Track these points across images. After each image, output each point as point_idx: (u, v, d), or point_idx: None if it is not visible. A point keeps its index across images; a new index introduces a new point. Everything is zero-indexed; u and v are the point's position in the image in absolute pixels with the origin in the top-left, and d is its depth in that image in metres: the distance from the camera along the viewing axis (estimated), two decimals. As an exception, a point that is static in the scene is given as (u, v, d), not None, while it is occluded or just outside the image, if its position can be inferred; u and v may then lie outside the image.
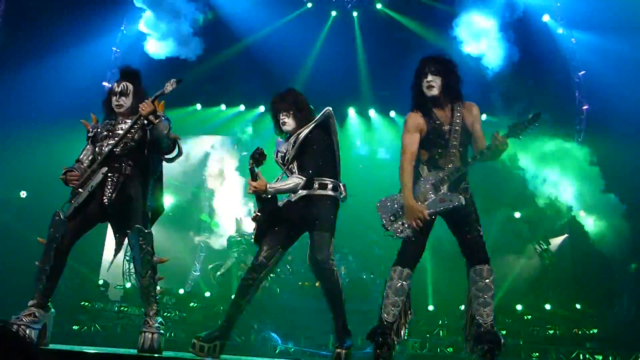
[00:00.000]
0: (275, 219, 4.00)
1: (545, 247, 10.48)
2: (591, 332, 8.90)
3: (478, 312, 3.62)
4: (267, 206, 3.99)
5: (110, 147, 3.95)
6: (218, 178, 11.89)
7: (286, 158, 3.99)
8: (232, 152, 12.11)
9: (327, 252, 3.87)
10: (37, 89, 9.03)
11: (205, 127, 11.96)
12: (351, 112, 12.11)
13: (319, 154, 3.98)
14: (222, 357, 3.94)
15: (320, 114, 4.05)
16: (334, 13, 11.51)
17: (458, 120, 3.77)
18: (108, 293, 9.42)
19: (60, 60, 9.30)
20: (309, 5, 11.44)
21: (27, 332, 3.64)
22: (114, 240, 4.13)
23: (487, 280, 3.62)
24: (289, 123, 4.06)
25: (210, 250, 11.40)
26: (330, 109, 4.08)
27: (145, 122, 3.95)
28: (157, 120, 3.92)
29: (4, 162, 8.79)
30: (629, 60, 9.11)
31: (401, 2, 11.23)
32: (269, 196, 3.97)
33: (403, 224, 3.72)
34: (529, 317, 9.24)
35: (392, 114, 11.91)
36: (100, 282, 9.42)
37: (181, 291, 9.55)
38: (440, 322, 9.07)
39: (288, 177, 3.97)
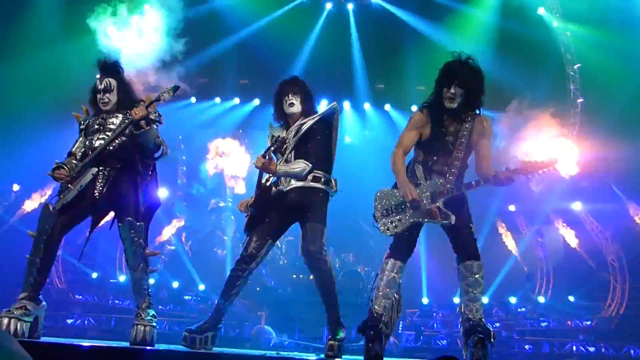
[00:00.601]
0: (267, 209, 3.99)
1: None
2: (584, 324, 8.96)
3: (467, 307, 3.64)
4: (262, 195, 3.99)
5: (101, 145, 3.93)
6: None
7: (285, 145, 3.97)
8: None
9: (320, 243, 3.87)
10: (29, 81, 8.98)
11: (200, 120, 11.91)
12: (346, 105, 12.10)
13: (319, 146, 3.98)
14: (217, 350, 3.95)
15: (327, 107, 4.08)
16: (329, 6, 11.46)
17: (465, 132, 3.70)
18: (103, 286, 9.42)
19: (53, 52, 9.24)
20: (304, -3, 11.39)
21: (18, 325, 3.64)
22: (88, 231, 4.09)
23: (476, 276, 3.63)
24: (296, 105, 4.07)
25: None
26: (336, 104, 4.12)
27: (135, 125, 3.91)
28: (147, 127, 3.91)
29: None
30: (623, 54, 9.13)
31: (397, -5, 11.20)
32: (268, 183, 3.96)
33: (392, 222, 3.72)
34: (523, 309, 9.30)
35: (387, 107, 11.90)
36: (94, 275, 9.42)
37: (175, 284, 9.55)
38: (434, 315, 9.11)
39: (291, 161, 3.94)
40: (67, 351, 3.44)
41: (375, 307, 3.69)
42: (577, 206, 10.18)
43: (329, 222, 4.01)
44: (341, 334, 3.91)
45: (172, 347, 4.01)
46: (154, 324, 3.93)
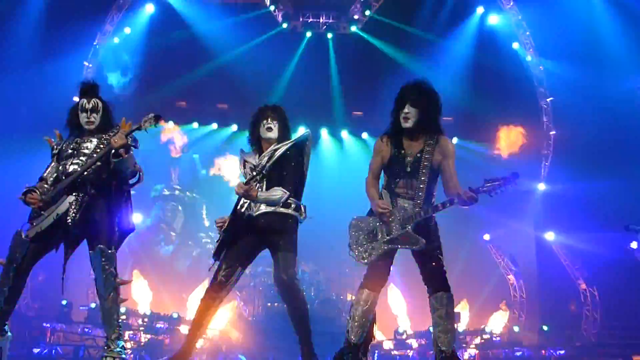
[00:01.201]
0: (237, 235, 3.96)
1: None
2: (558, 353, 9.01)
3: (440, 339, 3.63)
4: (236, 220, 3.95)
5: (76, 170, 3.86)
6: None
7: (257, 171, 3.96)
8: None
9: (293, 272, 3.85)
10: (3, 103, 8.84)
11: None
12: (324, 132, 12.18)
13: (291, 173, 3.99)
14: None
15: (300, 134, 4.12)
16: (308, 34, 11.64)
17: (427, 156, 3.73)
18: (71, 314, 9.14)
19: (29, 74, 9.14)
20: (284, 25, 11.54)
21: (-19, 357, 3.51)
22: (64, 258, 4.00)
23: (447, 308, 3.63)
24: (274, 131, 4.09)
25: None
26: (309, 132, 4.20)
27: (113, 152, 3.85)
28: (126, 155, 3.86)
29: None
30: (593, 89, 9.44)
31: (376, 26, 11.42)
32: (243, 209, 3.93)
33: (365, 250, 3.72)
34: (498, 338, 9.33)
35: (365, 135, 12.02)
36: (64, 302, 9.14)
37: (147, 312, 9.33)
38: (409, 344, 9.07)
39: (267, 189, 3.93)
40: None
41: (352, 337, 3.67)
42: (550, 236, 10.35)
43: (305, 250, 3.99)
44: (314, 365, 3.86)
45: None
46: (124, 355, 3.83)
